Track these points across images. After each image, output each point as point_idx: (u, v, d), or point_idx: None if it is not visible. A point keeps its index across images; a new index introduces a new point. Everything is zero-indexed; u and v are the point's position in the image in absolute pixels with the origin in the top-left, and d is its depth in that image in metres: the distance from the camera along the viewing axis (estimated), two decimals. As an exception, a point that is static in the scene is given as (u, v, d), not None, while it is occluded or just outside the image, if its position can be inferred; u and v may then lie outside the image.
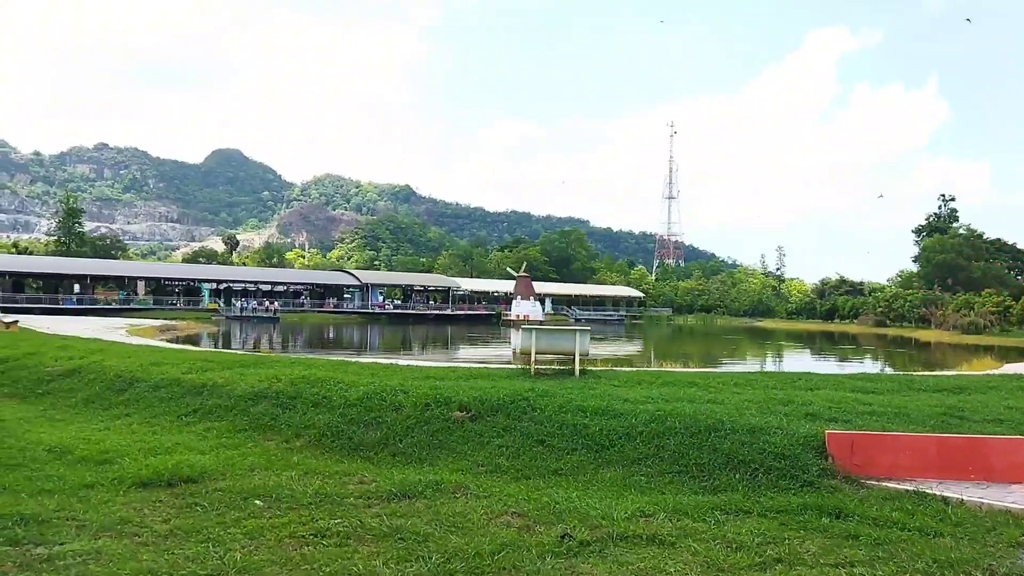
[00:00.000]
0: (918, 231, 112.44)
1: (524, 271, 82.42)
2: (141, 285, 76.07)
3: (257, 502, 6.57)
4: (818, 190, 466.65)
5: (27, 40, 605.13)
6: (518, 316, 75.39)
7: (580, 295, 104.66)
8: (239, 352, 16.18)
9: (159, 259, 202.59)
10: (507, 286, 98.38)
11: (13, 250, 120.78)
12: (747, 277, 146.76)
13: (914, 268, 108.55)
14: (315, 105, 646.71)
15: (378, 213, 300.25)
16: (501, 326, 74.17)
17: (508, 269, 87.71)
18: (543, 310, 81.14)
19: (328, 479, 7.68)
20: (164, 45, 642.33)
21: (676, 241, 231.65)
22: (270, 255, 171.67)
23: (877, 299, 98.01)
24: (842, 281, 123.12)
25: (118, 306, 67.72)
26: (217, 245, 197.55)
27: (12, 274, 67.68)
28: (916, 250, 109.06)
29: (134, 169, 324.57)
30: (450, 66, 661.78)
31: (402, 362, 14.82)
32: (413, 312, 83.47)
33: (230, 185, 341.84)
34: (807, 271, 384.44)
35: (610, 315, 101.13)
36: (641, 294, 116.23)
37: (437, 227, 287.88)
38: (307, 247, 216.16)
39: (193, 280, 77.13)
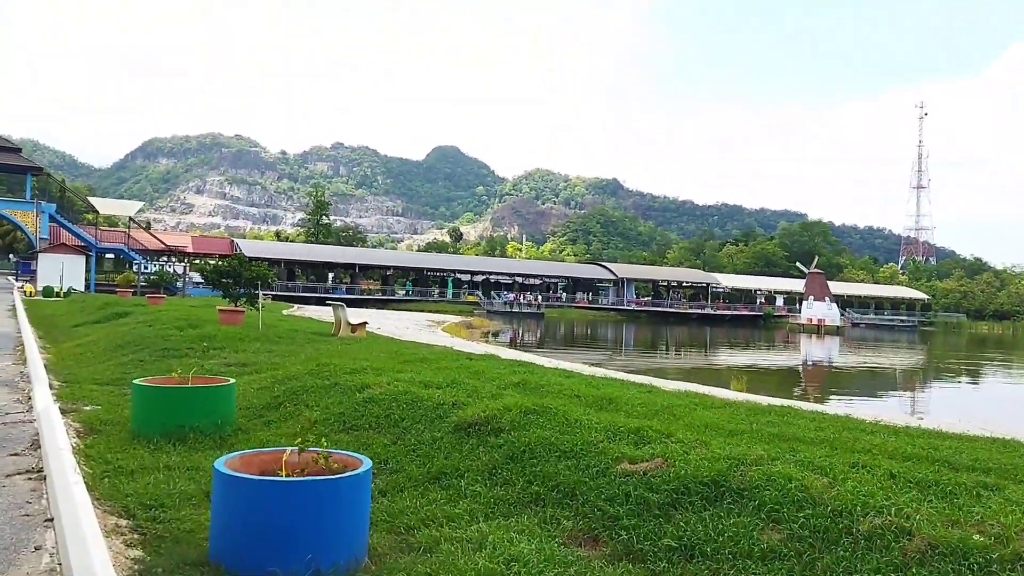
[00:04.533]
0: None
1: (815, 267, 70.17)
2: (389, 275, 74.89)
3: None
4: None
5: (279, 54, 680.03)
6: (810, 320, 64.27)
7: (853, 295, 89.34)
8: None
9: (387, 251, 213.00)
10: (770, 283, 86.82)
11: (275, 238, 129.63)
12: (1015, 277, 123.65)
13: None
14: (526, 101, 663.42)
15: (585, 207, 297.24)
16: (789, 331, 63.44)
17: (798, 265, 75.94)
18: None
19: None
20: (394, 51, 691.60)
21: (925, 240, 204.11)
22: (493, 247, 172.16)
23: None
24: None
25: (382, 296, 66.56)
26: (438, 237, 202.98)
27: (287, 262, 68.67)
28: None
29: (365, 166, 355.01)
30: (658, 57, 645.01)
31: None
32: (673, 311, 74.93)
33: (448, 181, 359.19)
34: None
35: (893, 319, 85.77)
36: (925, 296, 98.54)
37: (645, 220, 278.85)
38: (523, 240, 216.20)
39: (452, 271, 74.61)
